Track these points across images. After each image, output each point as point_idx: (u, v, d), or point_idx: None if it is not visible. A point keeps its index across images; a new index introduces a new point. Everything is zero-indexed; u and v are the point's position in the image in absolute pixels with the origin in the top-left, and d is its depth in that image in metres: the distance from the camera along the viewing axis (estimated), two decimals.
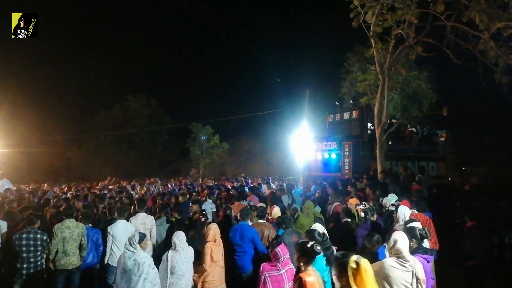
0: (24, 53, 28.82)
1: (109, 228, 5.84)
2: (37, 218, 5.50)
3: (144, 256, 4.15)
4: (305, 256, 3.34)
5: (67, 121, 30.28)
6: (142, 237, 4.30)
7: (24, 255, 5.15)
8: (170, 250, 4.52)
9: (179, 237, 4.60)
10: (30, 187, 13.76)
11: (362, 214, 5.85)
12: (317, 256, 3.35)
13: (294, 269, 3.96)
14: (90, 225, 6.03)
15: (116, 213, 6.25)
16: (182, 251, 4.52)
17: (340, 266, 2.85)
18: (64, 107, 31.07)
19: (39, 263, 5.32)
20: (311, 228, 4.26)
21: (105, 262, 5.78)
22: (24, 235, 5.22)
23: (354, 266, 2.77)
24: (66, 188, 13.35)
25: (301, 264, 3.34)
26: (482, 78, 8.87)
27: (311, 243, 3.41)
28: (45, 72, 34.14)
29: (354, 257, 2.83)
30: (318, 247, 3.37)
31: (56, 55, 39.55)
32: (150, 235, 6.34)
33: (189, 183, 16.27)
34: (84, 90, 34.99)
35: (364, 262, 2.81)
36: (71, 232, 5.55)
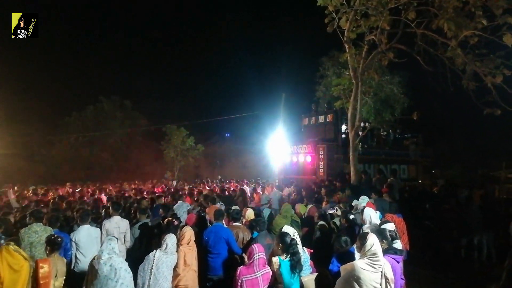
0: None
1: (71, 235, 5.60)
2: (1, 223, 5.29)
3: (120, 261, 4.07)
4: (49, 245, 4.34)
5: (36, 122, 29.19)
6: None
7: None
8: (158, 250, 4.44)
9: (172, 240, 4.55)
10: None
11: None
12: (59, 246, 4.38)
13: (270, 273, 3.97)
14: (58, 229, 5.82)
15: (78, 219, 5.92)
16: (170, 255, 4.48)
17: None
18: (33, 108, 29.94)
19: None
20: (283, 231, 4.27)
21: (71, 269, 5.56)
22: None
23: None
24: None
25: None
26: (450, 84, 9.17)
27: (56, 236, 4.43)
28: (13, 72, 32.87)
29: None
30: (59, 239, 4.38)
31: (25, 55, 38.16)
32: (124, 239, 6.20)
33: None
34: (55, 91, 33.92)
35: (4, 248, 3.88)
36: (39, 237, 5.33)
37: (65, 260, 4.43)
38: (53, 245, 4.36)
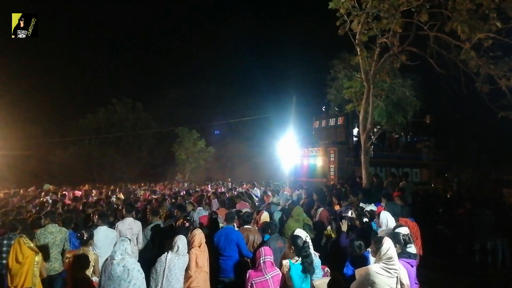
0: (6, 55, 28.15)
1: None
2: (19, 224, 5.38)
3: (133, 262, 4.11)
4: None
5: (50, 124, 29.64)
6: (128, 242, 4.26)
7: (5, 261, 5.02)
8: (170, 252, 4.46)
9: (183, 242, 4.57)
10: (12, 191, 13.43)
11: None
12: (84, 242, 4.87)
13: (280, 275, 3.98)
14: (72, 230, 5.91)
15: (97, 219, 6.02)
16: (182, 256, 4.50)
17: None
18: (48, 110, 30.40)
19: None
20: (295, 234, 4.27)
21: None
22: (5, 242, 5.10)
23: None
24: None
25: None
26: (464, 86, 9.08)
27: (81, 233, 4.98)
28: (28, 74, 33.38)
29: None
30: (86, 235, 4.90)
31: (39, 57, 38.71)
32: (137, 241, 6.25)
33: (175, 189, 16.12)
34: (68, 93, 34.31)
35: (17, 240, 4.64)
36: (54, 238, 5.44)
37: (81, 251, 4.84)
38: (80, 240, 4.98)
